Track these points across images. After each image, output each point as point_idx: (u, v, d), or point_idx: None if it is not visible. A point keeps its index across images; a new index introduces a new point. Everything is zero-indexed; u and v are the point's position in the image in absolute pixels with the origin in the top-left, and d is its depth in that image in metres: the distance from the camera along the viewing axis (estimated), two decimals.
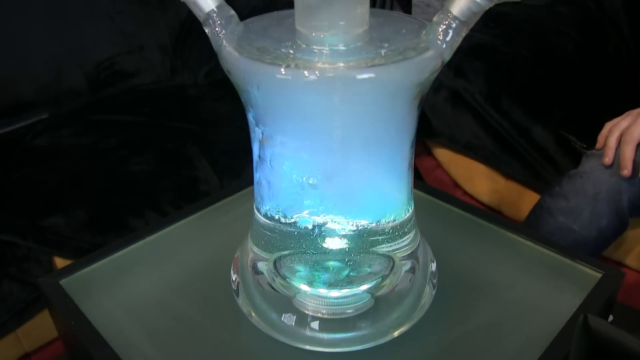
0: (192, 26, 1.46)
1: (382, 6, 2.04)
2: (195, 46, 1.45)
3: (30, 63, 1.26)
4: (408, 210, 0.48)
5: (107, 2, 1.36)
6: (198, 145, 1.10)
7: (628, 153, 0.83)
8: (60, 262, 0.90)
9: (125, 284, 0.56)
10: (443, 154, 1.22)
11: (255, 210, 0.49)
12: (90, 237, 0.90)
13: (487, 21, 1.26)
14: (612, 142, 0.86)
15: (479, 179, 1.15)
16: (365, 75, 0.36)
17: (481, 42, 1.21)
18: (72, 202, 0.95)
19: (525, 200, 1.07)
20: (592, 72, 1.16)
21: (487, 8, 0.38)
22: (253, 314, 0.50)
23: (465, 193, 1.20)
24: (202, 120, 1.20)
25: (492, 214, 0.64)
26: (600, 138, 0.91)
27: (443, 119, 1.17)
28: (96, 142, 1.12)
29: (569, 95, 1.13)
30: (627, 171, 0.83)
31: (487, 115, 1.12)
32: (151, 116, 1.22)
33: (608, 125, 0.90)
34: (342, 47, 0.39)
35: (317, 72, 0.36)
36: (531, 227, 0.94)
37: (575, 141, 1.02)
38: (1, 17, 1.21)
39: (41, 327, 0.88)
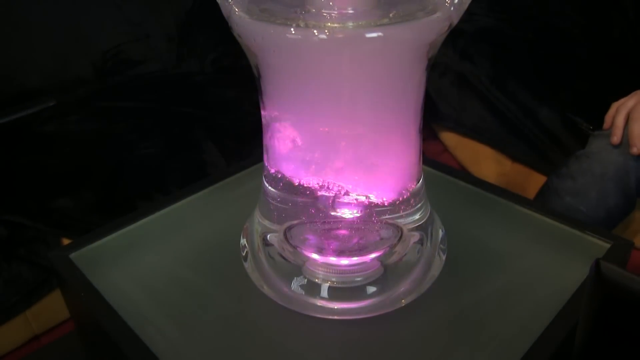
0: (198, 15, 1.45)
1: None
2: (201, 34, 1.44)
3: (37, 51, 1.26)
4: (418, 179, 0.48)
5: None
6: (205, 130, 1.10)
7: (637, 130, 0.83)
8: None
9: (135, 258, 0.57)
10: (449, 138, 1.21)
11: (265, 182, 0.49)
12: (98, 219, 0.91)
13: (492, 5, 1.25)
14: (620, 121, 0.86)
15: (485, 162, 1.15)
16: (374, 34, 0.36)
17: (487, 25, 1.21)
18: (80, 184, 0.95)
19: (532, 182, 1.06)
20: (597, 55, 1.16)
21: None
22: (264, 285, 0.50)
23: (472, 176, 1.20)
24: (209, 106, 1.20)
25: (500, 187, 0.64)
26: (608, 118, 0.90)
27: (449, 102, 1.17)
28: (103, 127, 1.13)
29: (575, 77, 1.13)
30: (636, 149, 0.83)
31: (493, 98, 1.12)
32: (158, 102, 1.22)
33: (615, 105, 0.90)
34: (350, 11, 0.39)
35: (326, 32, 0.36)
36: None
37: (582, 122, 1.02)
38: (8, 5, 1.22)
39: (50, 309, 0.89)
